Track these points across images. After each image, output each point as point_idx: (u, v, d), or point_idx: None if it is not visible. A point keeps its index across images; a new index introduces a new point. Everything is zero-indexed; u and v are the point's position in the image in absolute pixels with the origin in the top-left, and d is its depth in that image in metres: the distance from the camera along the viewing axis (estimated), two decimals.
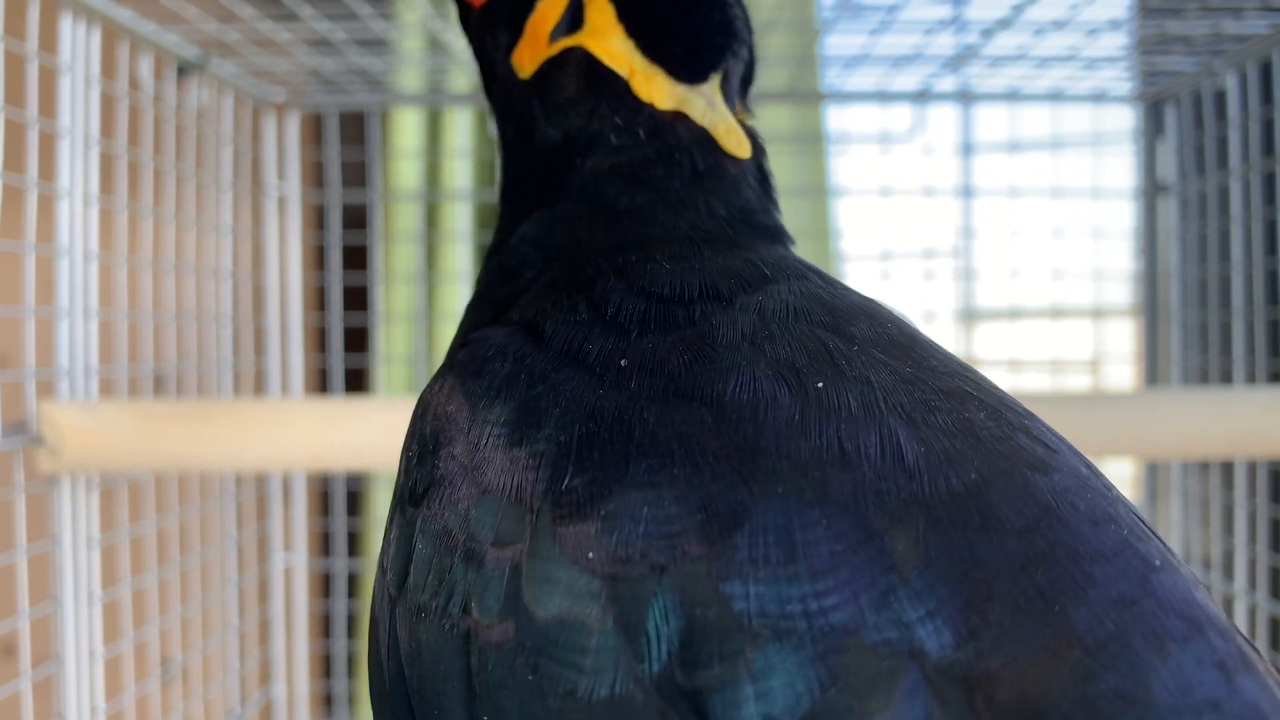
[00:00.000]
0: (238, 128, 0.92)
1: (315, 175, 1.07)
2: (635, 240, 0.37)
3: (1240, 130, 0.86)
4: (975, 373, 0.34)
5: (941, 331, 1.00)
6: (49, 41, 0.68)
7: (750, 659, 0.25)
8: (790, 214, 1.14)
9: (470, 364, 0.34)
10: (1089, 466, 0.31)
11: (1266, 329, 0.84)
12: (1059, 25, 0.77)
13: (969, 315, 1.01)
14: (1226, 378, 0.89)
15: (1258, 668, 0.27)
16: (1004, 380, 1.05)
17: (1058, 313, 1.00)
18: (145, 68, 0.78)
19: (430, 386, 0.36)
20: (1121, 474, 1.07)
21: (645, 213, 0.38)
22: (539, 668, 0.27)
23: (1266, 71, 0.83)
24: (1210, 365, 0.91)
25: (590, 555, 0.27)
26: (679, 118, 0.38)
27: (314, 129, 1.08)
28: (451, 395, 0.34)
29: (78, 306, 0.70)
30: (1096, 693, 0.24)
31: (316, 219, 1.06)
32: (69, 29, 0.69)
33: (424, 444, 0.33)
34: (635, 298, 0.34)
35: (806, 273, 0.36)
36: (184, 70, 0.83)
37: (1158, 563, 0.28)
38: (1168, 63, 0.88)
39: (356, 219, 1.03)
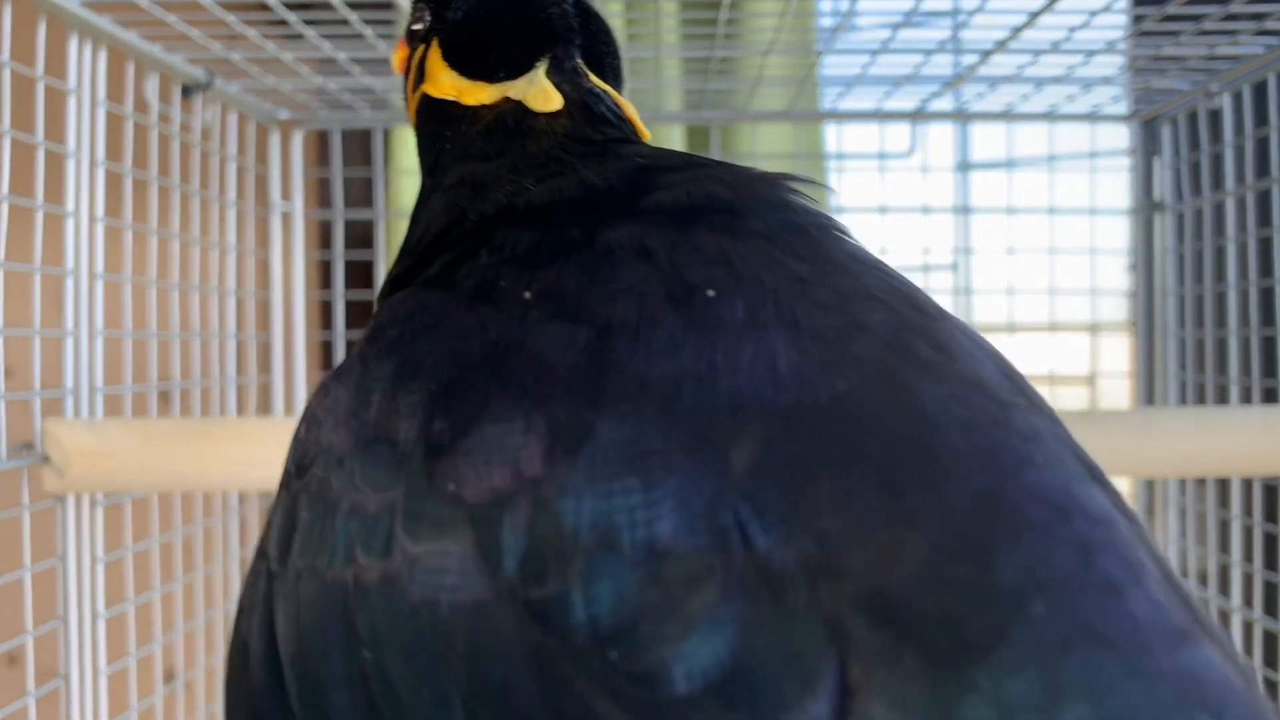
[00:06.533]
0: (243, 146, 0.93)
1: (320, 193, 1.08)
2: (496, 183, 0.40)
3: (1235, 150, 0.86)
4: (882, 266, 0.35)
5: None
6: (56, 64, 0.69)
7: (579, 569, 0.26)
8: None
9: (366, 334, 0.36)
10: (1005, 373, 0.32)
11: (1261, 347, 0.85)
12: (1055, 47, 0.78)
13: None
14: (1222, 395, 0.90)
15: (1127, 549, 0.27)
16: None
17: (1054, 328, 1.01)
18: (151, 88, 0.79)
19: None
20: (1117, 488, 1.07)
21: (493, 169, 0.42)
22: (411, 595, 0.28)
23: (1261, 92, 0.83)
24: (1206, 383, 0.92)
25: (451, 487, 0.29)
26: (505, 102, 0.44)
27: (319, 147, 1.09)
28: (342, 370, 0.36)
29: (83, 326, 0.71)
30: (940, 582, 0.25)
31: (321, 236, 1.07)
32: (75, 51, 0.70)
33: (312, 418, 0.35)
34: (524, 230, 0.36)
35: (690, 159, 0.38)
36: (189, 90, 0.83)
37: (1039, 460, 0.28)
38: (1163, 83, 0.89)
39: (361, 236, 1.04)
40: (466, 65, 0.45)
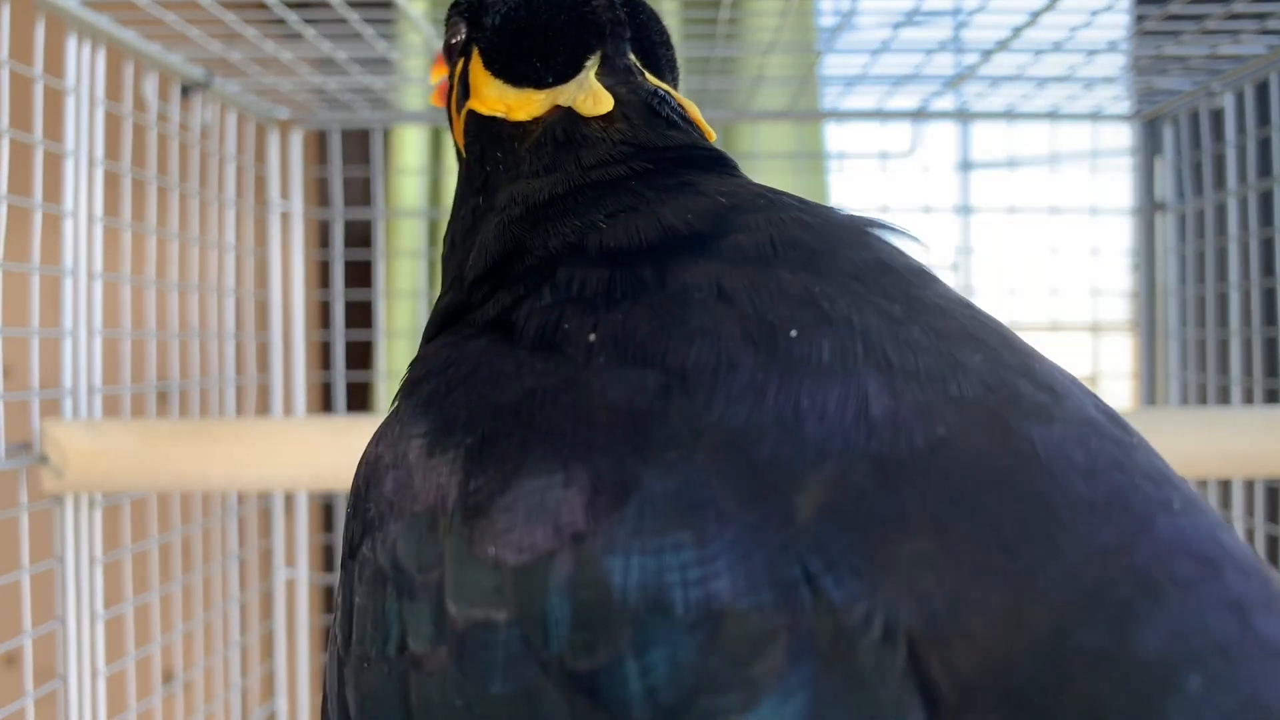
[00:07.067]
0: (242, 146, 0.92)
1: (319, 192, 1.08)
2: (555, 209, 0.37)
3: (1237, 150, 0.86)
4: (972, 306, 0.32)
5: None
6: (55, 63, 0.69)
7: (630, 635, 0.24)
8: None
9: (402, 388, 0.35)
10: (1104, 411, 0.29)
11: (1263, 347, 0.84)
12: (1057, 46, 0.78)
13: None
14: (1224, 396, 0.89)
15: None
16: None
17: (1055, 329, 1.01)
18: (150, 88, 0.79)
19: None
20: None
21: (546, 186, 0.38)
22: (460, 682, 0.27)
23: (1263, 92, 0.83)
24: (1208, 383, 0.92)
25: (491, 550, 0.27)
26: (555, 110, 0.41)
27: (318, 146, 1.09)
28: (381, 432, 0.34)
29: (82, 326, 0.71)
30: (1072, 653, 0.22)
31: (320, 236, 1.07)
32: (74, 50, 0.70)
33: (357, 494, 0.33)
34: (592, 269, 0.33)
35: (773, 198, 0.35)
36: (188, 90, 0.83)
37: (1176, 506, 0.25)
38: (1165, 82, 0.89)
39: (360, 235, 1.03)
40: (511, 71, 0.42)
